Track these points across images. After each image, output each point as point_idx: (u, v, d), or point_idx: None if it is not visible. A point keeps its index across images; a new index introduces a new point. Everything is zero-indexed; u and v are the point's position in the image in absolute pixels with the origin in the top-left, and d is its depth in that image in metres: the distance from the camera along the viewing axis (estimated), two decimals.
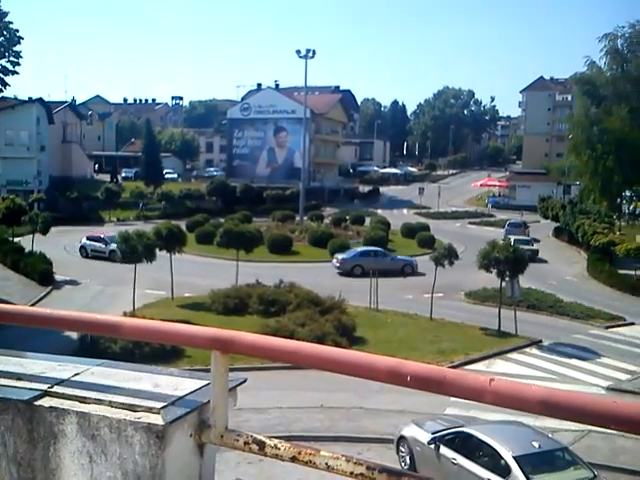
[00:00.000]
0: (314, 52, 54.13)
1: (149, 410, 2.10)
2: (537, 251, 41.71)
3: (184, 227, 36.23)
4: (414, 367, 1.71)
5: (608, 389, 19.20)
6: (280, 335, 19.71)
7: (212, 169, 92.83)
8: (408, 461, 13.12)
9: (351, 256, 37.31)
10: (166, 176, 75.01)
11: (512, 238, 37.66)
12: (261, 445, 2.04)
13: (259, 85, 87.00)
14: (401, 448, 13.43)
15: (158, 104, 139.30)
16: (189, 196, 64.74)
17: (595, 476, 11.10)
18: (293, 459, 1.97)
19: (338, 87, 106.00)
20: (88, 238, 39.93)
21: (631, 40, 47.22)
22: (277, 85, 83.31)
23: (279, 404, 17.00)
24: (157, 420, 2.05)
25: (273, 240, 42.51)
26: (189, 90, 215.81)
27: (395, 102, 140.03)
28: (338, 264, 36.88)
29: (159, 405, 2.10)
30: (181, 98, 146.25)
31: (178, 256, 28.99)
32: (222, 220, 46.27)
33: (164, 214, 54.71)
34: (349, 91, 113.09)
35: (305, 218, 54.51)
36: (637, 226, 50.46)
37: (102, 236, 39.77)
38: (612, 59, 48.04)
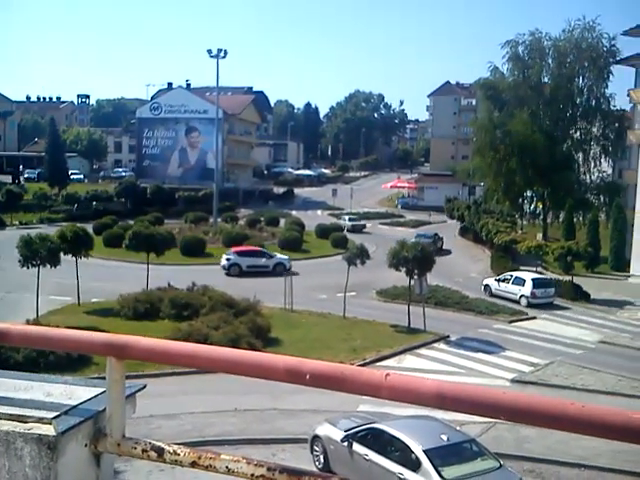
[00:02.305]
0: (225, 52, 53.66)
1: (40, 420, 1.99)
2: (442, 243, 47.40)
3: (91, 230, 34.94)
4: (313, 365, 1.71)
5: (512, 381, 20.08)
6: (193, 339, 19.40)
7: (121, 170, 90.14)
8: (322, 460, 13.21)
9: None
10: (72, 177, 72.21)
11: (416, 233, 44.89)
12: (160, 452, 1.98)
13: (170, 84, 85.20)
14: (315, 447, 13.50)
15: (63, 102, 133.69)
16: (96, 197, 62.50)
17: (501, 465, 11.57)
18: (193, 464, 1.93)
19: (251, 88, 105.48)
20: None
21: (531, 47, 49.71)
22: (188, 84, 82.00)
23: (191, 409, 16.70)
24: (49, 431, 1.95)
25: (186, 242, 41.76)
26: (96, 88, 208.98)
27: (308, 104, 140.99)
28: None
29: (51, 415, 2.00)
30: (88, 96, 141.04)
31: (85, 260, 27.88)
32: (131, 222, 44.94)
33: (69, 217, 52.53)
34: (262, 92, 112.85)
35: (219, 220, 53.89)
36: (537, 225, 53.13)
37: None
38: (514, 65, 50.41)
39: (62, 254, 25.95)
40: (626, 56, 47.61)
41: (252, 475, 1.82)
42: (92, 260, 29.60)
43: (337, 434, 12.83)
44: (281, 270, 34.52)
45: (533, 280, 31.93)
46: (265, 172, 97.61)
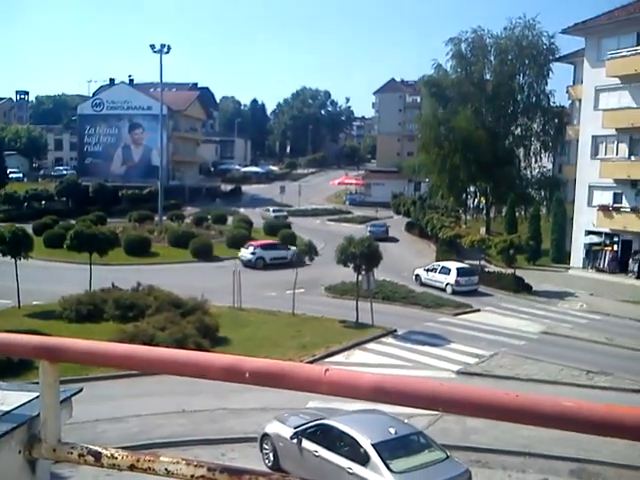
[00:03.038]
0: (169, 47, 52.74)
1: None
2: (388, 232, 51.98)
3: (30, 230, 33.85)
4: (252, 363, 1.69)
5: (458, 373, 20.48)
6: (139, 340, 19.06)
7: (62, 168, 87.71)
8: (272, 457, 13.19)
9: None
10: (10, 176, 69.83)
11: (371, 224, 52.50)
12: (97, 456, 1.94)
13: (112, 80, 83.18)
14: (264, 445, 13.48)
15: (1, 99, 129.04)
16: (36, 197, 60.67)
17: (448, 456, 11.79)
18: (131, 467, 1.89)
19: (196, 84, 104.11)
20: None
21: (474, 45, 50.64)
22: (131, 80, 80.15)
23: (138, 412, 16.41)
24: None
25: (130, 242, 40.98)
26: (35, 84, 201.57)
27: (255, 101, 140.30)
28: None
29: None
30: (27, 93, 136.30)
31: (24, 262, 26.99)
32: (73, 222, 43.78)
33: (8, 217, 50.79)
34: (207, 89, 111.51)
35: (164, 218, 53.04)
36: (481, 220, 54.29)
37: None
38: (457, 62, 51.25)
39: (0, 256, 25.07)
40: (565, 54, 49.16)
41: (192, 476, 1.79)
42: (32, 261, 28.69)
43: (286, 431, 12.84)
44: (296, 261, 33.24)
45: (457, 269, 33.52)
46: (212, 169, 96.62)
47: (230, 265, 31.31)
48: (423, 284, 34.16)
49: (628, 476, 13.59)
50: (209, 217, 55.35)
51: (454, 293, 32.41)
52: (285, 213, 63.47)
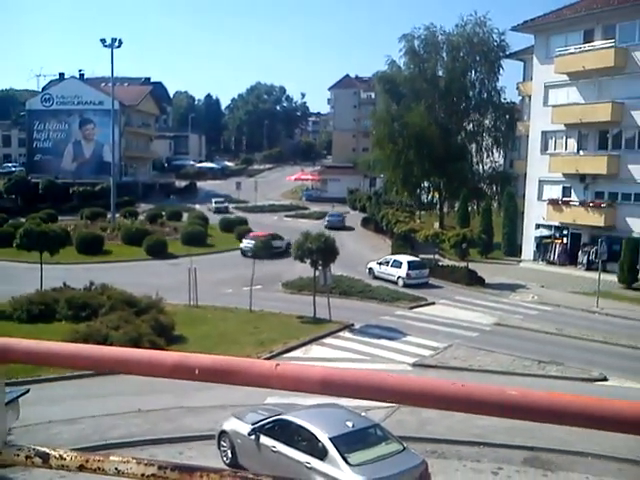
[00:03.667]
0: (120, 41, 51.84)
1: None
2: (344, 222, 55.36)
3: None
4: (201, 359, 1.68)
5: (414, 365, 20.74)
6: (92, 340, 18.71)
7: (10, 165, 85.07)
8: (230, 455, 13.13)
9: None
10: None
11: (329, 214, 56.72)
12: (45, 457, 1.89)
13: (62, 75, 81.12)
14: (222, 443, 13.40)
15: None
16: None
17: (404, 448, 11.93)
18: (80, 468, 1.85)
19: (149, 79, 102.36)
20: None
21: (426, 41, 51.23)
22: (82, 75, 78.34)
23: (93, 412, 16.10)
24: None
25: (82, 240, 40.15)
26: None
27: (209, 96, 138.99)
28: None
29: None
30: None
31: None
32: (23, 220, 42.63)
33: None
34: (160, 83, 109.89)
35: (117, 215, 52.13)
36: (435, 214, 55.05)
37: None
38: (410, 59, 51.78)
39: None
40: (515, 50, 50.16)
41: (143, 475, 1.77)
42: None
43: (244, 428, 12.79)
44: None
45: (409, 262, 34.25)
46: (166, 165, 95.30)
47: (185, 262, 30.92)
48: (376, 277, 34.72)
49: (578, 462, 14.00)
50: (163, 214, 54.65)
51: (405, 286, 33.00)
52: (227, 204, 65.83)
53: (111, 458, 1.83)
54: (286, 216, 62.80)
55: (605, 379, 19.84)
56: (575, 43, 38.87)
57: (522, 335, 25.01)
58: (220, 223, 51.50)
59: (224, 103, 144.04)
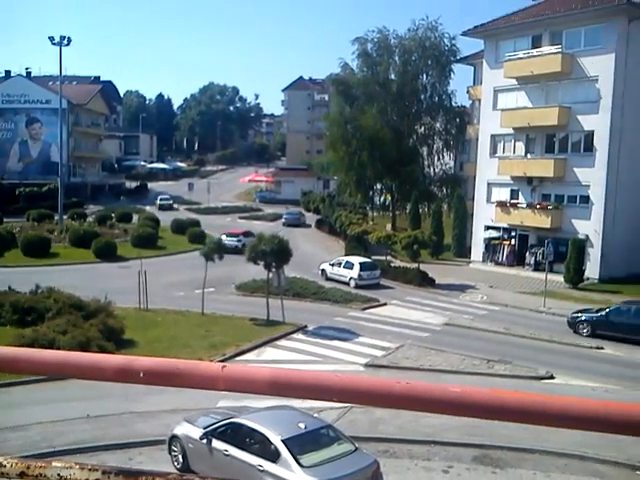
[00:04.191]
0: (69, 39, 50.52)
1: None
2: (304, 219, 58.19)
3: None
4: (146, 362, 1.66)
5: (366, 365, 20.88)
6: (38, 345, 18.20)
7: None
8: (181, 459, 12.97)
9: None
10: None
11: (286, 212, 59.87)
12: None
13: (7, 73, 78.75)
14: (173, 447, 13.23)
15: None
16: None
17: (356, 448, 12.00)
18: (22, 475, 1.81)
19: (98, 77, 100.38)
20: None
21: (379, 45, 51.74)
22: (29, 73, 76.18)
23: (40, 419, 15.67)
24: None
25: (28, 242, 39.02)
26: None
27: (160, 95, 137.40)
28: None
29: None
30: None
31: None
32: None
33: None
34: (111, 82, 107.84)
35: (65, 217, 50.86)
36: (387, 216, 55.61)
37: None
38: (363, 62, 52.24)
39: None
40: (465, 55, 51.16)
41: None
42: None
43: (195, 432, 12.66)
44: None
45: (360, 264, 34.52)
46: (116, 166, 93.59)
47: (136, 265, 30.38)
48: (328, 278, 34.96)
49: (527, 459, 14.34)
50: (113, 215, 53.61)
51: (357, 287, 33.29)
52: (171, 201, 68.06)
53: (53, 464, 1.79)
54: (240, 218, 62.46)
55: (552, 377, 20.37)
56: (524, 48, 39.89)
57: (471, 335, 25.48)
58: (172, 225, 50.85)
59: (176, 103, 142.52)
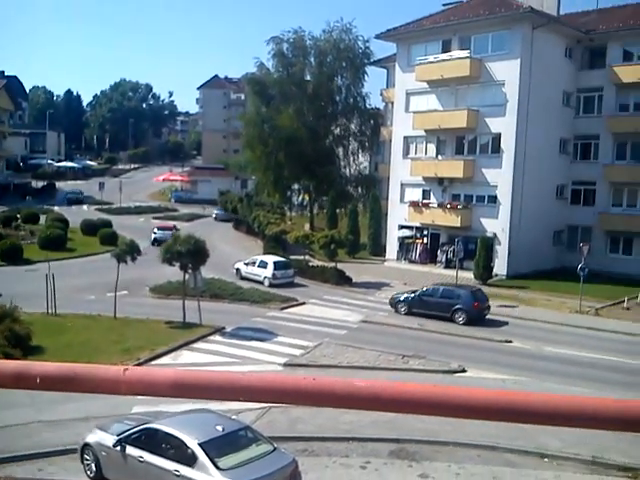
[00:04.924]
0: None
1: None
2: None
3: None
4: (42, 367, 1.60)
5: (284, 365, 20.90)
6: None
7: None
8: (94, 468, 12.55)
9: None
10: None
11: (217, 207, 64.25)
12: None
13: None
14: (86, 456, 12.77)
15: None
16: None
17: (275, 448, 12.00)
18: None
19: (2, 72, 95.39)
20: None
21: (294, 45, 51.86)
22: None
23: None
24: None
25: None
26: None
27: (69, 92, 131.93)
28: None
29: None
30: None
31: None
32: None
33: None
34: (16, 77, 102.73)
35: None
36: (305, 216, 55.88)
37: None
38: (278, 62, 52.19)
39: None
40: (379, 58, 52.12)
41: None
42: None
43: (109, 439, 12.28)
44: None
45: (274, 263, 34.87)
46: (21, 164, 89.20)
47: (43, 268, 29.04)
48: (243, 278, 35.00)
49: (441, 451, 14.78)
50: (18, 216, 51.14)
51: (271, 286, 33.50)
52: (80, 194, 71.50)
53: None
54: (154, 218, 60.99)
55: (464, 370, 21.09)
56: (434, 52, 41.09)
57: (387, 331, 26.02)
58: (81, 226, 49.07)
59: (86, 100, 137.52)
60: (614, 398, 1.49)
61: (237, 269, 36.00)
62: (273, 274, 34.07)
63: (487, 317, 28.09)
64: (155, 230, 47.79)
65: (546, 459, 14.43)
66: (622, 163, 39.85)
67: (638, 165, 38.98)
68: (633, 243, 39.35)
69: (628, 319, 28.92)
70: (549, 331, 26.53)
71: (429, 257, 42.00)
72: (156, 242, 42.40)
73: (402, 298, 29.13)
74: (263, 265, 34.82)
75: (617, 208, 40.05)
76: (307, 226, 51.93)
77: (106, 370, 1.60)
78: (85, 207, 66.87)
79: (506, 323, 27.93)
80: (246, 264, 35.82)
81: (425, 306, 28.14)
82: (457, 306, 27.51)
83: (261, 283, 33.82)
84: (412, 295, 28.94)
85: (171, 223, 52.61)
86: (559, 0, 40.81)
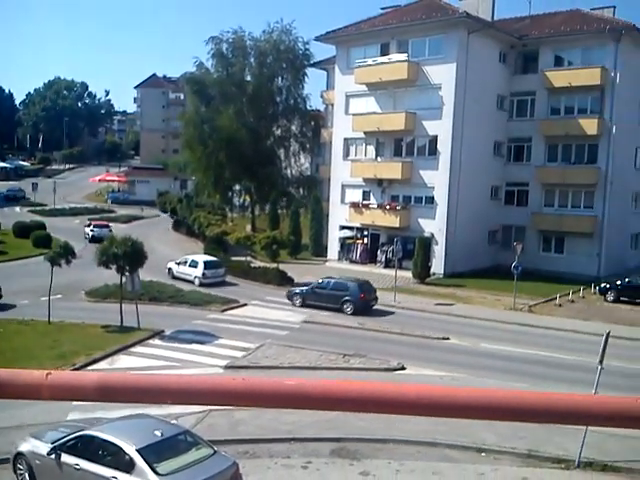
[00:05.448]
0: None
1: None
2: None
3: None
4: None
5: (226, 367, 20.73)
6: None
7: None
8: (27, 478, 12.16)
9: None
10: None
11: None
12: None
13: None
14: (19, 466, 12.35)
15: None
16: None
17: (215, 452, 11.89)
18: None
19: None
20: None
21: (234, 45, 51.52)
22: None
23: None
24: None
25: None
26: None
27: (0, 89, 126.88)
28: None
29: None
30: None
31: None
32: None
33: None
34: None
35: None
36: (247, 217, 55.58)
37: None
38: (218, 62, 51.75)
39: None
40: (319, 60, 52.36)
41: None
42: None
43: (43, 448, 11.90)
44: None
45: (205, 262, 35.24)
46: None
47: None
48: (175, 277, 35.18)
49: (381, 449, 14.96)
50: None
51: (201, 285, 33.81)
52: (21, 193, 70.55)
53: None
54: (90, 220, 59.35)
55: (403, 368, 21.43)
56: (373, 55, 41.57)
57: (329, 331, 26.17)
58: (14, 228, 47.38)
59: (19, 98, 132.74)
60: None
61: (169, 269, 36.16)
62: (203, 273, 34.39)
63: (375, 308, 29.71)
64: (92, 228, 48.72)
65: (484, 453, 14.81)
66: (553, 165, 41.31)
67: (569, 167, 40.50)
68: (565, 242, 40.84)
69: (560, 315, 30.03)
70: (485, 328, 27.26)
71: (369, 257, 42.45)
72: (94, 240, 43.30)
73: (297, 291, 30.82)
74: (194, 265, 35.08)
75: (549, 208, 41.48)
76: (249, 227, 51.67)
77: (28, 375, 1.56)
78: (17, 209, 64.61)
79: (392, 313, 29.58)
80: (177, 263, 36.07)
81: (318, 298, 29.81)
82: (345, 297, 29.27)
83: (192, 282, 34.06)
84: (305, 288, 30.67)
85: (103, 221, 53.84)
86: (493, 6, 42.01)
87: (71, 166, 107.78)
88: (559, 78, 39.91)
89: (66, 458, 11.46)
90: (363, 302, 29.34)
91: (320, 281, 30.52)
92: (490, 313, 29.99)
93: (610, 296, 33.26)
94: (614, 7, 42.95)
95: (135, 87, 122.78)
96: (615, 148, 39.20)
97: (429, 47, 39.56)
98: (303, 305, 30.02)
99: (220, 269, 35.49)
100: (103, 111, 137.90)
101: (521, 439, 14.95)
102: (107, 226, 49.55)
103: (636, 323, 28.40)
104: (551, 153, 41.54)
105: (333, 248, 44.38)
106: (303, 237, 46.59)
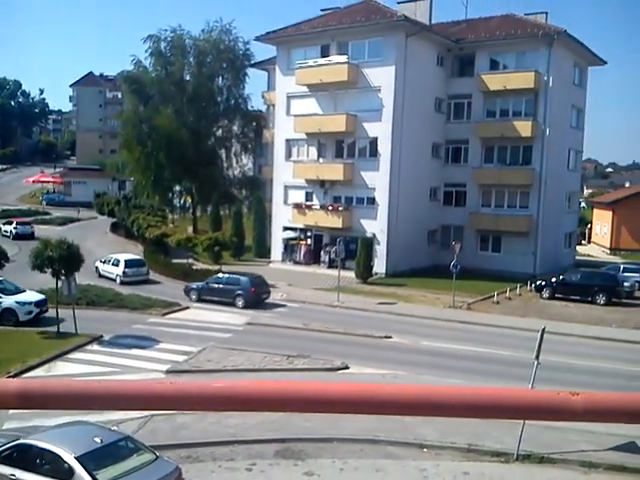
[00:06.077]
0: None
1: None
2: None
3: None
4: None
5: (167, 372, 20.38)
6: None
7: None
8: None
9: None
10: None
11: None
12: None
13: None
14: None
15: None
16: None
17: (157, 457, 11.71)
18: None
19: None
20: None
21: (173, 44, 50.74)
22: None
23: None
24: None
25: None
26: None
27: None
28: None
29: None
30: None
31: None
32: None
33: None
34: None
35: None
36: (188, 218, 54.85)
37: None
38: (156, 60, 50.83)
39: None
40: (260, 60, 52.15)
41: None
42: None
43: None
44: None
45: (126, 261, 35.93)
46: None
47: None
48: (101, 276, 35.73)
49: (325, 448, 15.03)
50: None
51: (122, 283, 34.30)
52: None
53: None
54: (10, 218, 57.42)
55: (347, 367, 21.58)
56: (314, 57, 41.70)
57: (272, 332, 26.10)
58: None
59: None
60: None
61: (96, 267, 36.42)
62: (124, 272, 34.95)
63: (267, 301, 31.00)
64: (15, 225, 50.50)
65: (425, 449, 15.08)
66: (490, 166, 42.44)
67: (505, 168, 41.68)
68: (501, 241, 42.02)
69: (498, 312, 30.88)
70: (425, 326, 27.76)
71: (313, 258, 42.59)
72: (18, 237, 45.82)
73: (194, 286, 31.81)
74: (116, 263, 35.63)
75: (486, 208, 42.59)
76: (190, 229, 50.99)
77: None
78: None
79: (284, 305, 31.12)
80: (103, 262, 36.56)
81: (212, 293, 30.93)
82: (238, 292, 30.42)
83: (114, 280, 34.64)
84: (202, 283, 31.70)
85: (27, 218, 56.32)
86: (431, 10, 42.79)
87: (4, 167, 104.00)
88: (494, 81, 41.04)
89: (1, 469, 11.07)
90: (254, 295, 30.45)
91: (215, 276, 31.60)
92: (430, 311, 30.56)
93: (545, 293, 34.43)
94: (546, 13, 44.54)
95: (71, 85, 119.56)
96: (549, 150, 40.61)
97: (368, 49, 39.98)
98: (199, 300, 31.06)
99: (143, 268, 36.19)
100: (37, 110, 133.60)
101: (461, 434, 15.29)
102: (29, 223, 51.83)
103: (571, 319, 29.50)
104: (487, 154, 42.67)
105: (277, 249, 44.31)
106: (246, 238, 46.34)
